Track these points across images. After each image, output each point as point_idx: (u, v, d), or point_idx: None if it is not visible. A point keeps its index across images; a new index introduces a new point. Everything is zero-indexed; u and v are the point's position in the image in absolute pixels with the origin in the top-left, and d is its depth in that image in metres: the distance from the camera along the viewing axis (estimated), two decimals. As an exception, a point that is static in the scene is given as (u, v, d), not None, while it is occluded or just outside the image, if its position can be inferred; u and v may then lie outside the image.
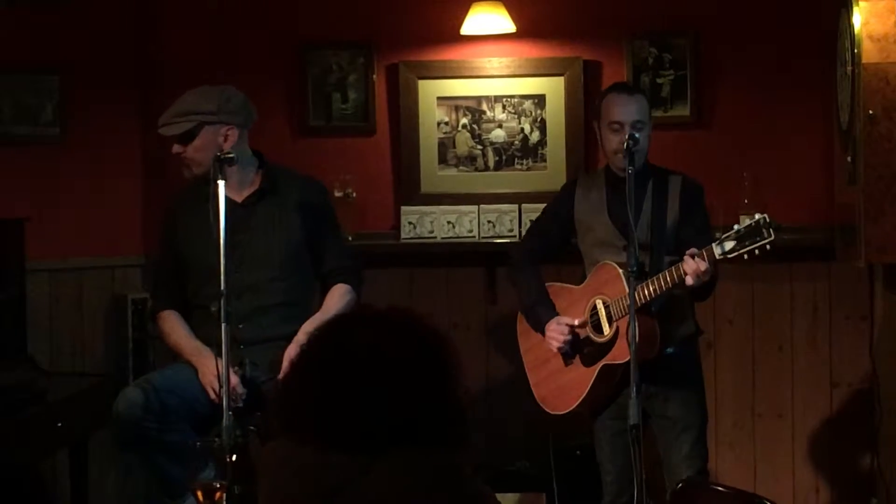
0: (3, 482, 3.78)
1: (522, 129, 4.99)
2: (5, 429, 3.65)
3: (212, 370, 3.65)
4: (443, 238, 4.95)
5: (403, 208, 4.97)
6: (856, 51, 4.15)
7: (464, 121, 5.00)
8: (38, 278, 4.62)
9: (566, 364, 3.91)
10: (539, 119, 4.97)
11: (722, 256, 3.50)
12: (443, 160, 5.02)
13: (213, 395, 3.70)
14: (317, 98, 5.03)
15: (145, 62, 5.04)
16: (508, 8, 4.84)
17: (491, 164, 5.01)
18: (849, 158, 4.30)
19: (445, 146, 5.02)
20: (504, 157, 5.00)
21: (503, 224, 4.91)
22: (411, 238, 4.95)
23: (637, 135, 3.70)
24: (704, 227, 3.91)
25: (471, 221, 4.93)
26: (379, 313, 1.95)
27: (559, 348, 3.87)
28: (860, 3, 4.12)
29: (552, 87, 4.96)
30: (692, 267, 3.52)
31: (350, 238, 4.69)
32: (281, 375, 3.66)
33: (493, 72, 4.97)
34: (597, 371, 3.80)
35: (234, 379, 3.66)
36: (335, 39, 5.02)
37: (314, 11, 5.02)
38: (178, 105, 3.88)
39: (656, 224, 3.81)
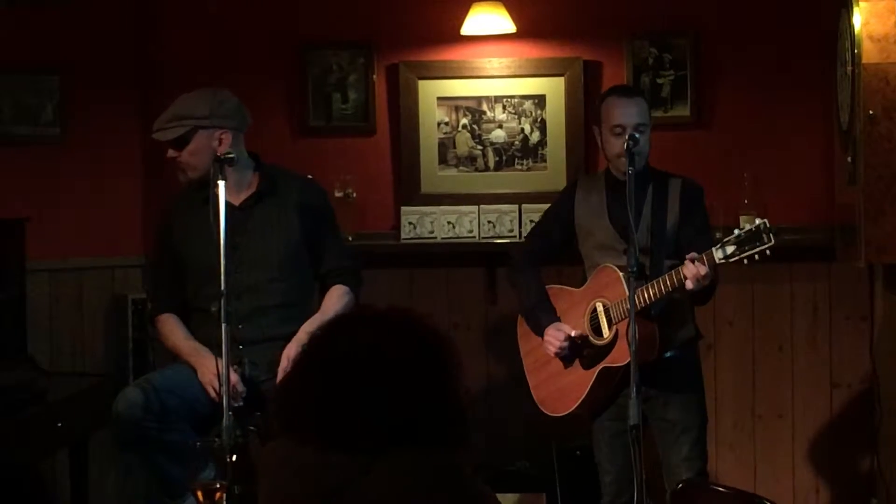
0: (3, 482, 3.78)
1: (522, 130, 4.99)
2: (5, 429, 3.65)
3: (210, 369, 3.65)
4: (443, 238, 4.95)
5: (403, 208, 4.97)
6: (856, 51, 4.15)
7: (464, 121, 5.00)
8: (38, 278, 4.62)
9: (565, 367, 3.91)
10: (539, 119, 4.97)
11: (722, 261, 3.50)
12: (443, 160, 5.02)
13: (213, 394, 3.70)
14: (317, 98, 5.03)
15: (145, 62, 5.04)
16: (508, 8, 4.84)
17: (491, 164, 5.01)
18: (849, 159, 4.30)
19: (446, 146, 5.02)
20: (504, 158, 5.00)
21: (503, 224, 4.91)
22: (411, 238, 4.95)
23: (637, 135, 3.70)
24: (704, 228, 3.90)
25: (471, 222, 4.93)
26: (379, 313, 1.95)
27: (556, 353, 3.87)
28: (860, 3, 4.12)
29: (552, 88, 4.96)
30: (692, 271, 3.52)
31: (350, 238, 4.69)
32: (281, 374, 3.72)
33: (494, 72, 4.97)
34: (596, 373, 3.80)
35: (234, 377, 3.66)
36: (335, 39, 5.02)
37: (314, 11, 5.02)
38: (172, 110, 3.88)
39: (656, 227, 3.81)
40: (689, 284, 3.54)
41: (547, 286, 4.00)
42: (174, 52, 5.03)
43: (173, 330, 3.96)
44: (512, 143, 4.99)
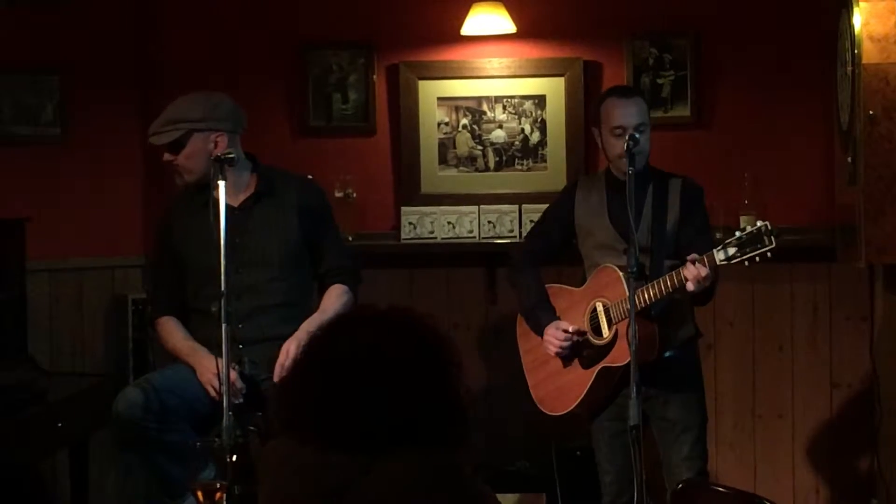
0: (3, 482, 3.78)
1: (523, 130, 4.99)
2: (5, 429, 3.65)
3: (209, 368, 3.66)
4: (443, 238, 4.95)
5: (404, 209, 4.97)
6: (856, 51, 4.14)
7: (464, 121, 5.00)
8: (38, 278, 4.62)
9: (565, 366, 3.91)
10: (539, 119, 4.97)
11: (723, 262, 3.50)
12: (443, 160, 5.02)
13: (212, 393, 3.71)
14: (317, 98, 5.04)
15: (145, 62, 5.04)
16: (509, 8, 4.84)
17: (491, 164, 5.01)
18: (849, 159, 4.30)
19: (446, 146, 5.02)
20: (504, 158, 5.00)
21: (503, 224, 4.91)
22: (411, 238, 4.95)
23: (637, 135, 3.69)
24: (704, 228, 3.91)
25: (471, 222, 4.93)
26: (379, 313, 1.95)
27: (557, 353, 3.87)
28: (860, 3, 4.12)
29: (552, 88, 4.96)
30: (693, 273, 3.52)
31: (350, 238, 4.70)
32: (278, 368, 3.72)
33: (494, 72, 4.97)
34: (595, 373, 3.80)
35: (233, 374, 3.66)
36: (335, 40, 5.02)
37: (314, 11, 5.02)
38: (167, 113, 3.89)
39: (656, 227, 3.80)
40: (690, 286, 3.54)
41: (547, 285, 4.00)
42: (174, 52, 5.04)
43: (172, 332, 3.97)
44: (512, 144, 4.99)
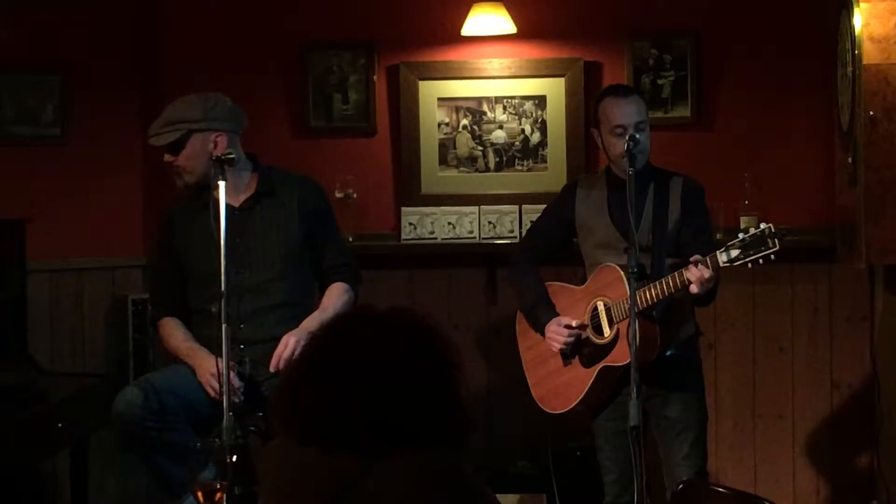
0: (3, 482, 3.78)
1: (523, 130, 4.99)
2: (5, 429, 3.65)
3: (208, 368, 3.67)
4: (443, 239, 4.95)
5: (404, 209, 4.97)
6: (856, 52, 4.14)
7: (464, 122, 5.00)
8: (38, 279, 4.63)
9: (565, 364, 3.91)
10: (540, 120, 4.97)
11: (726, 264, 3.50)
12: (443, 161, 5.02)
13: (212, 393, 3.71)
14: (317, 99, 5.04)
15: (146, 62, 5.04)
16: (509, 9, 4.84)
17: (491, 164, 5.01)
18: (849, 160, 4.30)
19: (446, 147, 5.02)
20: (505, 158, 5.00)
21: (504, 225, 4.91)
22: (412, 239, 4.95)
23: (638, 135, 3.69)
24: (705, 227, 3.91)
25: (471, 222, 4.93)
26: (379, 314, 1.95)
27: (559, 349, 3.87)
28: (861, 4, 4.12)
29: (553, 88, 4.96)
30: (696, 275, 3.51)
31: (350, 239, 4.69)
32: (275, 358, 3.72)
33: (494, 73, 4.97)
34: (596, 372, 3.80)
35: (231, 374, 3.66)
36: (336, 40, 5.02)
37: (315, 12, 5.02)
38: (166, 114, 3.89)
39: (658, 226, 3.80)
40: (693, 288, 3.54)
41: (547, 283, 4.00)
42: (174, 52, 5.04)
43: (173, 332, 3.97)
44: (512, 144, 4.99)
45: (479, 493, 1.90)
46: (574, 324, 3.82)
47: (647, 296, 3.62)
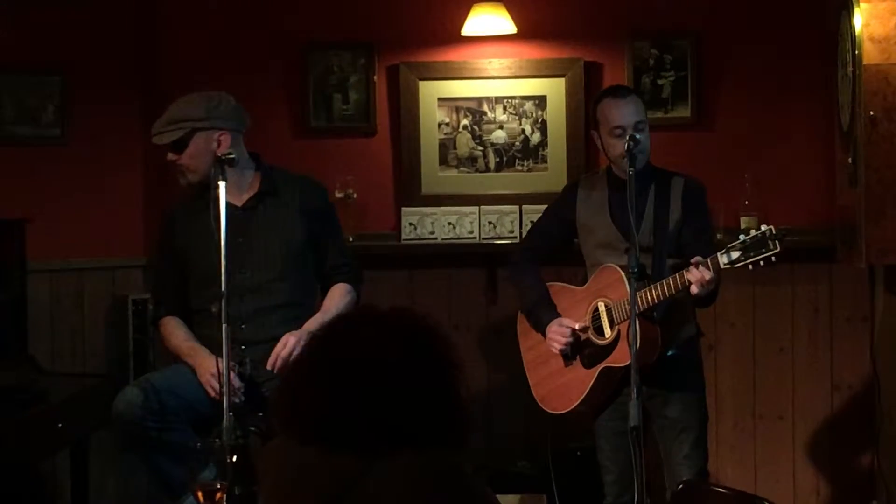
0: (3, 482, 3.78)
1: (523, 131, 4.99)
2: (5, 429, 3.65)
3: (209, 368, 3.67)
4: (443, 239, 4.95)
5: (404, 209, 4.97)
6: (857, 52, 4.14)
7: (464, 122, 5.00)
8: (39, 279, 4.63)
9: (566, 364, 3.91)
10: (540, 120, 4.97)
11: (727, 266, 3.49)
12: (443, 161, 5.02)
13: (212, 393, 3.71)
14: (318, 99, 5.03)
15: (146, 62, 5.04)
16: (509, 9, 4.83)
17: (492, 165, 5.01)
18: (850, 160, 4.30)
19: (446, 147, 5.02)
20: (505, 159, 5.00)
21: (504, 225, 4.91)
22: (412, 239, 4.95)
23: (638, 135, 3.69)
24: (706, 227, 3.91)
25: (471, 222, 4.93)
26: (380, 314, 1.95)
27: (560, 350, 3.87)
28: (861, 4, 4.12)
29: (553, 89, 4.96)
30: (697, 276, 3.51)
31: (351, 239, 4.69)
32: (273, 357, 3.71)
33: (494, 73, 4.97)
34: (597, 373, 3.80)
35: (231, 374, 3.66)
36: (336, 40, 5.02)
37: (315, 12, 5.02)
38: (169, 113, 3.88)
39: (658, 226, 3.80)
40: (694, 290, 3.54)
41: (548, 284, 4.00)
42: (174, 52, 5.04)
43: (174, 332, 3.97)
44: (512, 144, 4.99)
45: (479, 493, 1.90)
46: (577, 327, 3.83)
47: (648, 297, 3.62)
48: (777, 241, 3.43)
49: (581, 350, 3.86)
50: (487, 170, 5.01)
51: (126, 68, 5.00)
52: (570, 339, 3.84)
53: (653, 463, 3.83)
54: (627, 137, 3.67)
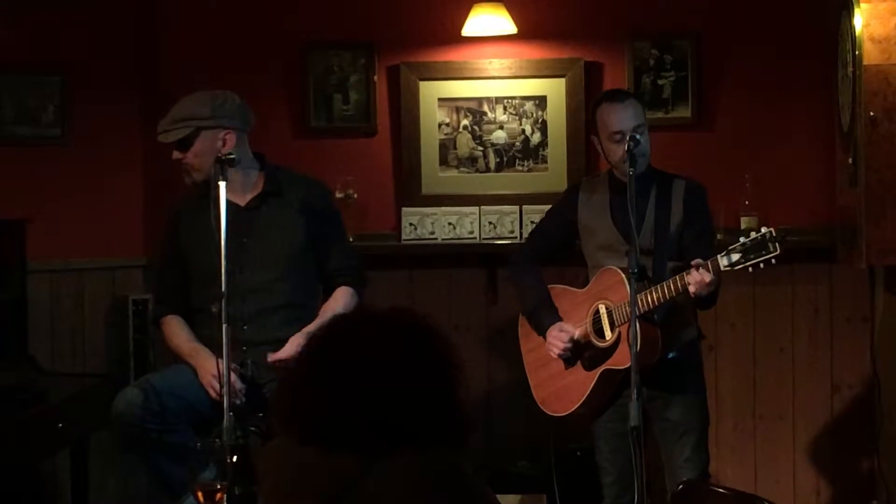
0: (3, 482, 3.78)
1: (523, 131, 4.99)
2: (5, 429, 3.65)
3: (210, 370, 3.66)
4: (444, 239, 4.95)
5: (404, 209, 4.97)
6: (857, 52, 4.14)
7: (465, 122, 5.00)
8: (39, 279, 4.63)
9: (567, 367, 3.91)
10: (540, 120, 4.97)
11: (727, 268, 3.49)
12: (444, 161, 5.02)
13: (213, 394, 3.70)
14: (318, 99, 5.03)
15: (146, 62, 5.04)
16: (509, 9, 4.83)
17: (492, 165, 5.01)
18: (850, 160, 4.30)
19: (446, 147, 5.01)
20: (505, 159, 5.00)
21: (504, 225, 4.91)
22: (412, 239, 4.95)
23: (638, 136, 3.69)
24: (707, 230, 3.91)
25: (472, 223, 4.93)
26: (380, 314, 1.95)
27: (559, 355, 3.87)
28: (861, 4, 4.12)
29: (553, 89, 4.96)
30: (696, 278, 3.51)
31: (351, 239, 4.69)
32: (281, 357, 3.71)
33: (495, 73, 4.97)
34: (598, 375, 3.80)
35: (232, 375, 3.66)
36: (336, 40, 5.02)
37: (315, 12, 5.02)
38: (175, 112, 3.88)
39: (659, 229, 3.80)
40: (692, 291, 3.54)
41: (549, 286, 4.00)
42: (175, 52, 5.04)
43: (176, 331, 3.96)
44: (513, 144, 4.99)
45: (479, 493, 1.90)
46: (576, 335, 3.82)
47: (649, 299, 3.62)
48: (777, 244, 3.43)
49: (582, 352, 3.86)
50: (488, 170, 5.01)
51: (126, 68, 5.00)
52: (569, 345, 3.84)
53: (652, 464, 3.82)
54: (627, 140, 3.67)
